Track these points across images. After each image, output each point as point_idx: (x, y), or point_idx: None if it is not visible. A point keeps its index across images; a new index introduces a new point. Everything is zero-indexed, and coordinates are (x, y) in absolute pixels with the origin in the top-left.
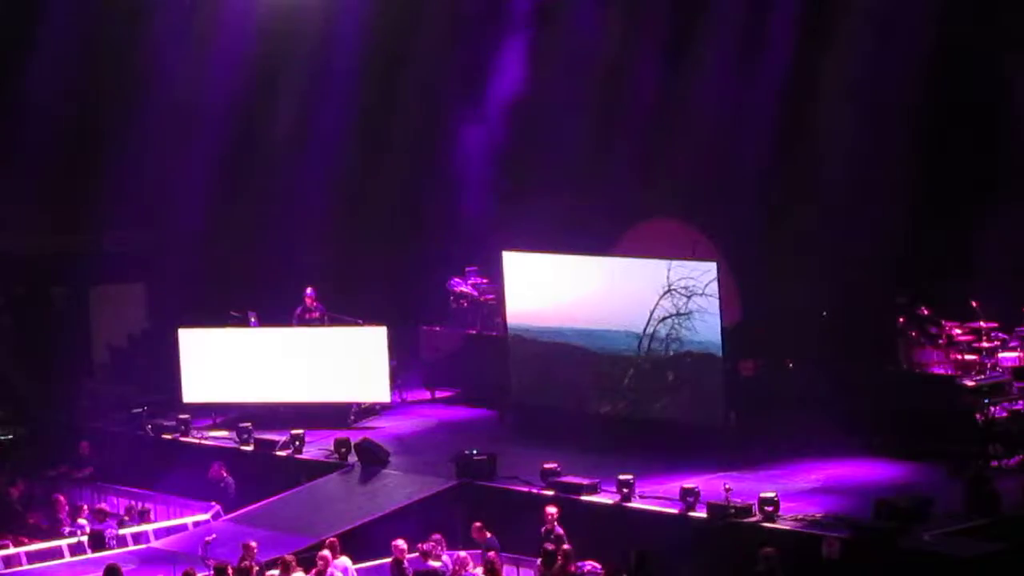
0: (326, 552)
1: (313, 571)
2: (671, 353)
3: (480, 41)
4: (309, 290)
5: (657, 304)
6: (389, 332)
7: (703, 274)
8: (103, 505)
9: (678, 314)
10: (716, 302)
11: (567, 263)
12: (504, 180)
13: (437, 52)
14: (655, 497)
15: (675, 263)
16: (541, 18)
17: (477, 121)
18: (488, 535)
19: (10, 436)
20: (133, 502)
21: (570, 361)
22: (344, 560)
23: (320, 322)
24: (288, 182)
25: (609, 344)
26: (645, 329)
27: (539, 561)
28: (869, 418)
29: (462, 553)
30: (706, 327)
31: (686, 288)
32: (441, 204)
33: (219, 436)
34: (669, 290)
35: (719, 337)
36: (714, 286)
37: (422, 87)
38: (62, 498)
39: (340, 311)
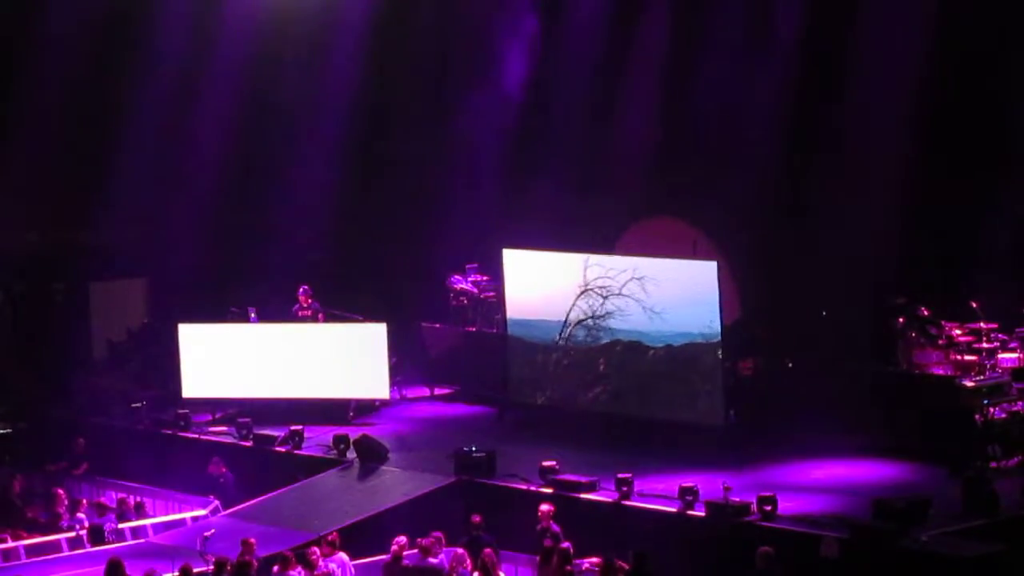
0: (316, 548)
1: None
2: (599, 344)
3: (484, 36)
4: (302, 288)
5: (573, 305)
6: (389, 328)
7: (620, 273)
8: (103, 499)
9: (594, 316)
10: (632, 302)
11: (568, 261)
12: (506, 177)
13: (438, 49)
14: (654, 496)
15: (592, 259)
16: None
17: (480, 118)
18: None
19: (9, 430)
20: (124, 495)
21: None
22: (342, 556)
23: (313, 320)
24: (289, 178)
25: (545, 334)
26: (561, 332)
27: (537, 559)
28: (868, 418)
29: (459, 550)
30: (626, 323)
31: (603, 288)
32: (442, 201)
33: (218, 431)
34: (586, 290)
35: (645, 327)
36: (632, 285)
37: (422, 85)
38: (61, 492)
39: (340, 307)
